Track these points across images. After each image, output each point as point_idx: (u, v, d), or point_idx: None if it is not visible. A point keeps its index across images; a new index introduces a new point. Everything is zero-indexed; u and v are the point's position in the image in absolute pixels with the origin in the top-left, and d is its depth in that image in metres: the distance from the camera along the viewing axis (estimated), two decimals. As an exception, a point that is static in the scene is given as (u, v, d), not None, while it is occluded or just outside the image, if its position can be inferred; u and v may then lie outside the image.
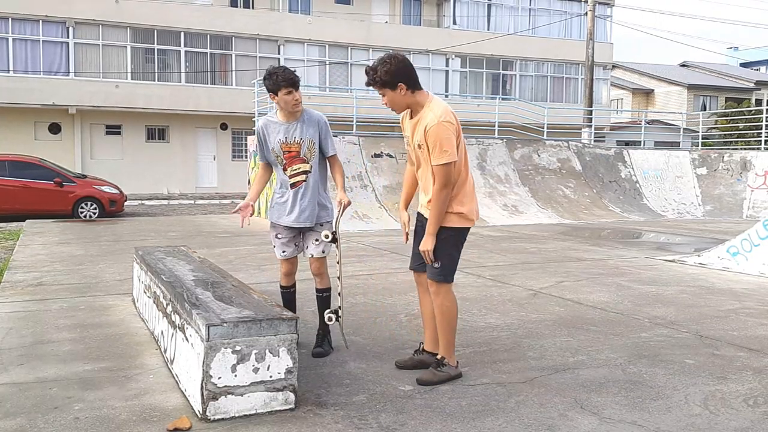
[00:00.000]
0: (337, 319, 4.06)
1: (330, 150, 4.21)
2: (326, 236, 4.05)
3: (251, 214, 4.19)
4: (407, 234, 3.92)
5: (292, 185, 4.15)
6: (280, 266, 4.41)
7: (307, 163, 4.14)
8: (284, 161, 4.14)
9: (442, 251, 3.64)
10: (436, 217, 3.58)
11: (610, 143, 27.77)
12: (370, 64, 3.63)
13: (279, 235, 4.27)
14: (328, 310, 4.12)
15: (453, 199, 3.61)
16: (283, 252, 4.29)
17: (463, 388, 3.62)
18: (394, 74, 3.51)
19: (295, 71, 4.08)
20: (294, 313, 4.07)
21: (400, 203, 3.97)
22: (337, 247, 4.12)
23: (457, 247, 3.70)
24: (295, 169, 4.13)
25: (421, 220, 3.79)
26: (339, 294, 4.12)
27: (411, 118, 3.66)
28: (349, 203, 4.14)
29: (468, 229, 3.73)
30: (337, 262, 4.12)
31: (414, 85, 3.57)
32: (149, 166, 24.76)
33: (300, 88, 4.08)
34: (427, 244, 3.62)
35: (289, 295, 4.42)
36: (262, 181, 4.38)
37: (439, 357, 3.76)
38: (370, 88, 3.61)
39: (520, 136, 17.69)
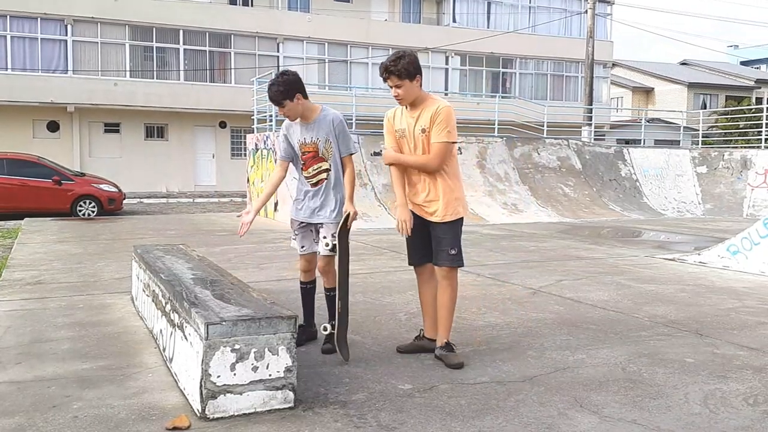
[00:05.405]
0: (332, 329, 4.06)
1: (343, 150, 4.22)
2: (326, 244, 4.11)
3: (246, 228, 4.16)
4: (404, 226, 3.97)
5: (314, 184, 4.22)
6: (298, 261, 4.43)
7: (326, 161, 4.19)
8: (302, 162, 4.23)
9: (456, 239, 3.97)
10: (414, 162, 3.91)
11: (610, 141, 27.74)
12: (385, 60, 3.88)
13: (295, 231, 4.33)
14: (324, 323, 4.16)
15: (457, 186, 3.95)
16: (302, 247, 4.32)
17: (462, 386, 3.61)
18: (416, 66, 3.86)
19: (287, 83, 4.04)
20: (310, 310, 4.39)
21: (399, 199, 4.00)
22: (339, 259, 4.07)
23: (460, 235, 4.05)
24: (316, 168, 4.20)
25: (415, 219, 3.99)
26: (338, 311, 4.04)
27: (411, 111, 3.93)
28: (356, 214, 4.14)
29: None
30: (337, 279, 4.07)
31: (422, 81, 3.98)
32: (148, 164, 24.75)
33: (297, 94, 4.06)
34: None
35: (305, 292, 4.45)
36: (275, 184, 4.41)
37: (447, 341, 3.99)
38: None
39: (519, 134, 17.66)
